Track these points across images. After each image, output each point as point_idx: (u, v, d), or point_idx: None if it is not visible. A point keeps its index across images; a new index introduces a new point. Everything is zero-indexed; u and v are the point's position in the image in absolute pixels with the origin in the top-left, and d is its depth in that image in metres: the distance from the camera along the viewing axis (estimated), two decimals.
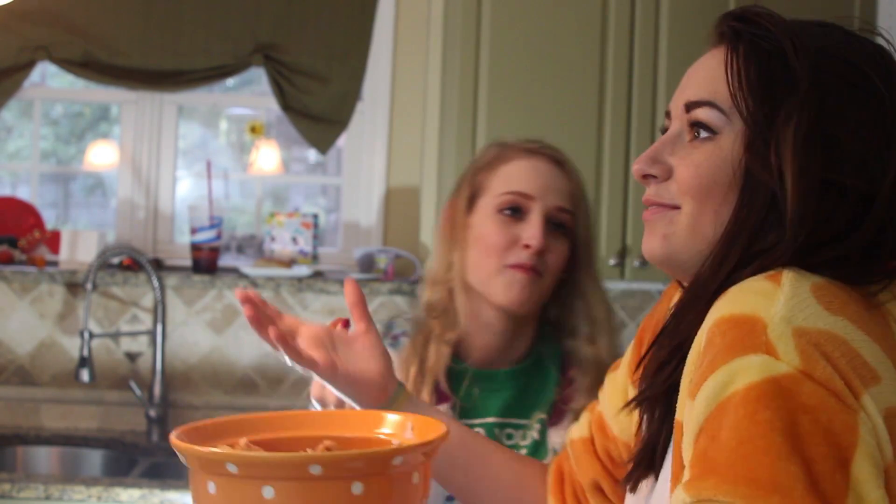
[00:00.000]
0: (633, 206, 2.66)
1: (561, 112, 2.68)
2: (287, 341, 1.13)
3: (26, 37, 3.01)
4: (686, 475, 0.78)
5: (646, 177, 0.97)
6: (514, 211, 1.58)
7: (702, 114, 0.93)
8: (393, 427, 0.95)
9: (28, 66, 3.04)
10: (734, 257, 0.89)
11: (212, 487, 0.82)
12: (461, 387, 1.59)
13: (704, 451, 0.77)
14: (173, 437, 0.85)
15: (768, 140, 0.89)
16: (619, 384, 1.17)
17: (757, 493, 0.73)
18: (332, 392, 1.21)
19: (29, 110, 3.31)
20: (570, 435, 1.24)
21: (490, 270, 1.57)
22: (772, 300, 0.80)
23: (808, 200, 0.87)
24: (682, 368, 0.87)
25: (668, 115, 1.00)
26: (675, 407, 0.88)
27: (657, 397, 0.92)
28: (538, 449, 1.58)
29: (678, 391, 0.87)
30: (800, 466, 0.73)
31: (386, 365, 1.20)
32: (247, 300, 1.16)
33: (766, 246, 0.87)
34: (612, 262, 2.68)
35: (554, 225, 1.58)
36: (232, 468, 0.79)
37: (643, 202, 0.98)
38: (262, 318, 1.16)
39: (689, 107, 0.95)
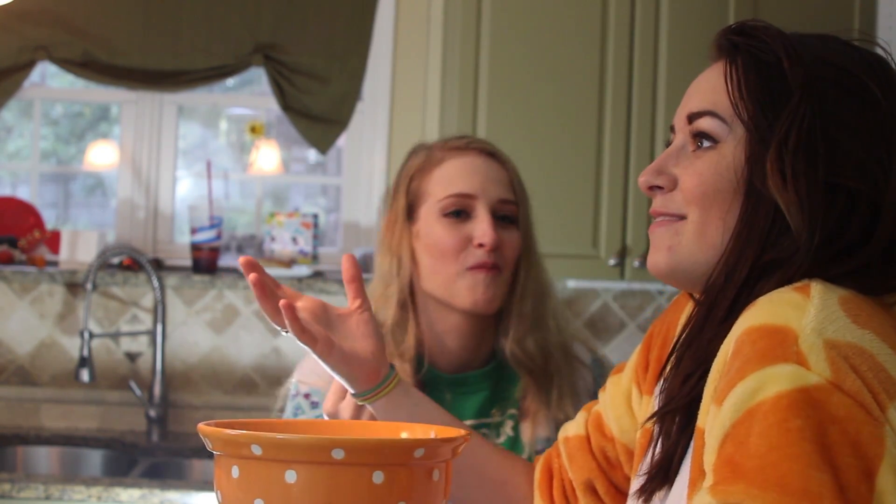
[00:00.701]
0: (632, 206, 2.66)
1: (561, 112, 2.68)
2: (294, 314, 1.10)
3: (26, 37, 3.01)
4: (710, 479, 0.79)
5: (651, 188, 0.98)
6: (460, 213, 1.56)
7: (703, 124, 0.95)
8: (415, 432, 0.96)
9: (28, 66, 3.04)
10: (746, 265, 0.90)
11: (235, 471, 0.83)
12: (433, 394, 1.59)
13: (731, 456, 0.78)
14: (201, 425, 0.86)
15: (768, 145, 0.90)
16: (623, 387, 1.17)
17: (786, 499, 0.74)
18: (347, 408, 1.20)
19: (29, 110, 3.31)
20: (565, 432, 1.24)
21: (449, 275, 1.55)
22: (802, 312, 0.81)
23: (813, 203, 0.88)
24: (705, 379, 0.87)
25: (672, 129, 1.01)
26: (695, 416, 0.89)
27: (680, 409, 0.93)
28: (514, 445, 1.58)
29: (699, 401, 0.88)
30: (829, 475, 0.74)
31: (379, 345, 1.18)
32: (252, 267, 1.12)
33: (780, 254, 0.89)
34: (612, 262, 2.68)
35: (501, 218, 1.57)
36: (256, 450, 0.80)
37: (651, 214, 0.99)
38: (268, 287, 1.13)
39: (692, 118, 0.97)
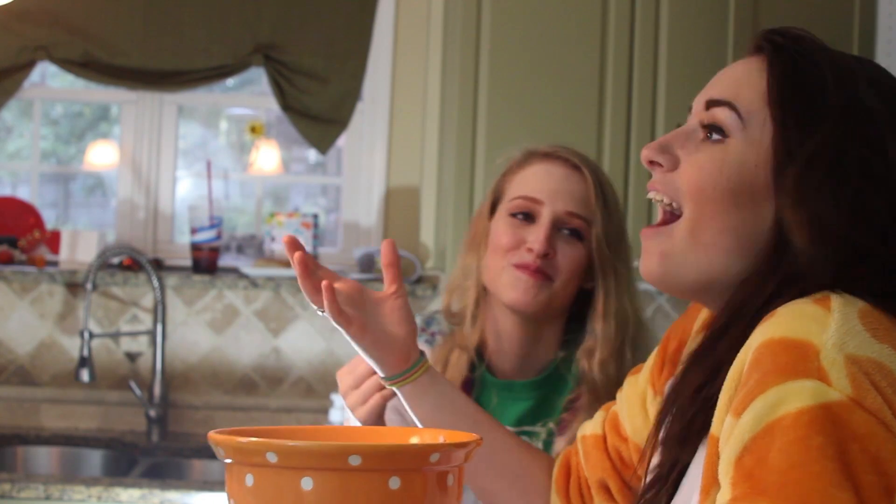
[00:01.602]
0: (632, 206, 2.66)
1: (561, 112, 2.68)
2: (333, 295, 1.11)
3: (26, 37, 3.01)
4: (728, 493, 0.79)
5: (652, 163, 0.97)
6: (525, 215, 1.58)
7: (719, 113, 0.93)
8: (424, 437, 0.96)
9: (28, 66, 3.04)
10: (778, 279, 0.89)
11: (249, 479, 0.82)
12: (482, 394, 1.60)
13: (751, 470, 0.77)
14: (211, 433, 0.85)
15: (794, 157, 0.89)
16: (639, 387, 1.17)
17: None
18: (367, 390, 1.22)
19: (29, 110, 3.31)
20: (583, 431, 1.24)
21: (497, 269, 1.58)
22: (823, 326, 0.80)
23: (833, 223, 0.87)
24: (715, 388, 0.87)
25: (690, 109, 1.00)
26: (703, 424, 0.88)
27: (689, 418, 0.92)
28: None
29: (706, 409, 0.88)
30: (850, 493, 0.74)
31: (411, 331, 1.20)
32: (295, 245, 1.13)
33: (800, 268, 0.88)
34: None
35: (567, 230, 1.58)
36: (272, 457, 0.79)
37: (648, 187, 0.98)
38: (310, 267, 1.14)
39: (710, 104, 0.95)
